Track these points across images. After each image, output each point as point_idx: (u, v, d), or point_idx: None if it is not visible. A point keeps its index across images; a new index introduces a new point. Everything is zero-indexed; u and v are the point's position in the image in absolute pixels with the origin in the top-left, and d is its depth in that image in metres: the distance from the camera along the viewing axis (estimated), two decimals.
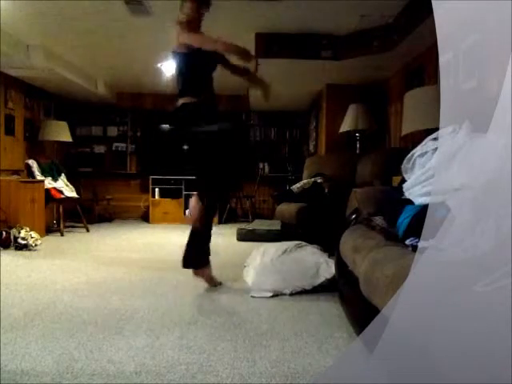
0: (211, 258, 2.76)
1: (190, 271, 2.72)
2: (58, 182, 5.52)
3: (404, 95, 3.37)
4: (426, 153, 1.98)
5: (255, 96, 6.27)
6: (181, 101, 2.65)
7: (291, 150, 7.62)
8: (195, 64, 2.66)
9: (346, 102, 5.04)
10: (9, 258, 3.63)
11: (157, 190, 6.88)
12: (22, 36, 4.44)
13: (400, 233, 1.72)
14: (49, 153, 6.15)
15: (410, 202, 1.87)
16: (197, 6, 2.63)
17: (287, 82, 5.23)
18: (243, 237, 4.90)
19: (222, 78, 2.91)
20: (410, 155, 2.08)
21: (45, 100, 6.33)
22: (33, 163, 5.42)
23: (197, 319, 2.12)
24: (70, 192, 5.59)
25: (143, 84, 6.52)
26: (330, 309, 2.29)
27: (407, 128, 3.22)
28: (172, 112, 2.74)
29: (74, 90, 6.23)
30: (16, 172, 5.42)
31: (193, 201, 2.67)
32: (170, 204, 6.84)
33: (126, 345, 1.75)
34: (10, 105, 5.42)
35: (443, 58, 3.15)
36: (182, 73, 2.71)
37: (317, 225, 3.89)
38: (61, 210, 5.22)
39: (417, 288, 1.15)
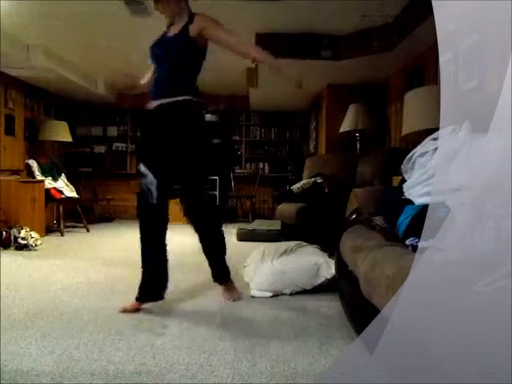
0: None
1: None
2: (58, 182, 5.52)
3: (404, 95, 3.36)
4: (426, 153, 1.98)
5: (255, 96, 6.27)
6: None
7: (291, 150, 7.63)
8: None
9: (346, 102, 5.04)
10: (9, 258, 3.63)
11: None
12: (22, 36, 4.44)
13: (400, 233, 1.72)
14: (49, 153, 6.14)
15: (410, 201, 1.86)
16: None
17: (287, 82, 5.22)
18: (243, 237, 4.90)
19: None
20: (410, 155, 2.07)
21: (45, 100, 6.33)
22: (33, 163, 5.42)
23: (197, 319, 2.12)
24: (69, 192, 5.60)
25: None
26: (330, 309, 2.29)
27: (407, 128, 3.21)
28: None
29: (74, 90, 6.23)
30: (16, 172, 5.42)
31: None
32: (169, 204, 6.82)
33: (125, 345, 1.75)
34: (10, 105, 5.42)
35: (443, 58, 3.15)
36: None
37: (317, 225, 3.89)
38: (61, 209, 5.22)
39: (417, 288, 1.15)
